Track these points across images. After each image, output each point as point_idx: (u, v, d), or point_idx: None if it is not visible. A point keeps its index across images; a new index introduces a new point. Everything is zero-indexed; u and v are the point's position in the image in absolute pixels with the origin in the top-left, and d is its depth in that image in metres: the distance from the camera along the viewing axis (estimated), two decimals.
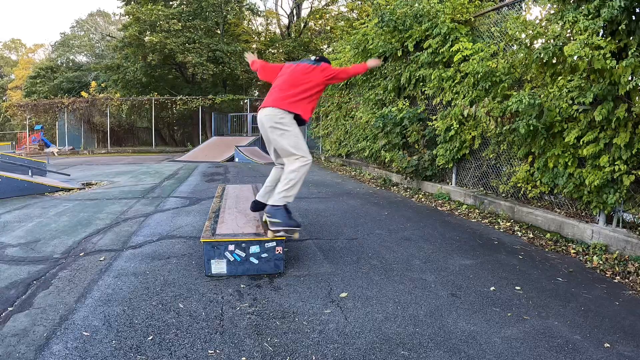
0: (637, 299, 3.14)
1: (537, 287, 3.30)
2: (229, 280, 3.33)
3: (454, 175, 6.94)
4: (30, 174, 8.31)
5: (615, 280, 3.50)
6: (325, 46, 25.84)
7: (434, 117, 7.15)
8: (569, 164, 4.44)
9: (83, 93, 24.22)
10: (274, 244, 3.43)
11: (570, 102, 4.27)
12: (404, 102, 8.11)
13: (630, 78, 3.72)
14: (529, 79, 4.91)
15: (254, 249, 3.40)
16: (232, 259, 3.39)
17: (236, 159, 14.57)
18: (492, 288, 3.25)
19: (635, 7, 3.72)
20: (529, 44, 4.73)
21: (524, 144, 5.06)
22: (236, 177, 10.13)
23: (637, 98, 3.79)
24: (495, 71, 5.22)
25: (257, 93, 28.41)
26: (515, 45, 5.09)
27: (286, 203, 3.44)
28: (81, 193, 7.57)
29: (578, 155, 4.36)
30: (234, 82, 24.58)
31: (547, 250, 4.29)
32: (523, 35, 4.82)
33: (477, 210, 5.89)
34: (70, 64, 33.66)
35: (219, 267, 3.38)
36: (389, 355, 2.31)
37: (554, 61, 4.44)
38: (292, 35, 25.57)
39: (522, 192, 5.26)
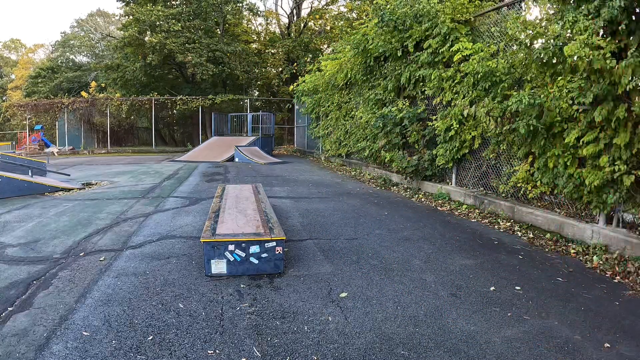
0: (637, 299, 3.14)
1: (537, 287, 3.30)
2: (229, 280, 3.33)
3: (454, 175, 6.94)
4: (30, 174, 8.30)
5: (615, 280, 3.50)
6: (325, 46, 25.83)
7: (434, 117, 7.14)
8: (569, 164, 4.44)
9: (83, 93, 24.20)
10: (274, 244, 3.43)
11: (570, 102, 4.27)
12: (404, 102, 8.11)
13: (630, 78, 3.72)
14: (529, 79, 4.90)
15: (254, 249, 3.40)
16: (232, 259, 3.39)
17: (236, 159, 14.57)
18: (492, 288, 3.25)
19: (635, 7, 3.72)
20: (529, 44, 4.73)
21: (524, 144, 5.06)
22: (236, 177, 10.13)
23: (637, 98, 3.78)
24: (495, 71, 5.22)
25: (257, 93, 28.40)
26: (515, 45, 5.09)
27: None
28: (81, 193, 7.57)
29: (578, 156, 4.36)
30: (234, 82, 24.55)
31: (547, 250, 4.29)
32: (523, 35, 4.82)
33: (477, 210, 5.89)
34: (71, 64, 33.63)
35: (219, 267, 3.38)
36: (389, 355, 2.31)
37: (554, 61, 4.43)
38: (292, 35, 25.55)
39: (522, 192, 5.26)
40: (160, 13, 20.22)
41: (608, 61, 3.76)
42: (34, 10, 70.93)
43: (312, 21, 26.17)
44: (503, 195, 5.74)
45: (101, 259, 3.83)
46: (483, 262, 3.88)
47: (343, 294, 3.10)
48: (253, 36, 27.31)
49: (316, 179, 9.47)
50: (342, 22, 23.62)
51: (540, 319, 2.76)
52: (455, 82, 6.45)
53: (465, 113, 6.08)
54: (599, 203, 4.18)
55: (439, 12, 6.78)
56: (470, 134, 6.19)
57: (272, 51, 25.47)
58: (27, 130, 22.82)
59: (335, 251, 4.13)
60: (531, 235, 4.74)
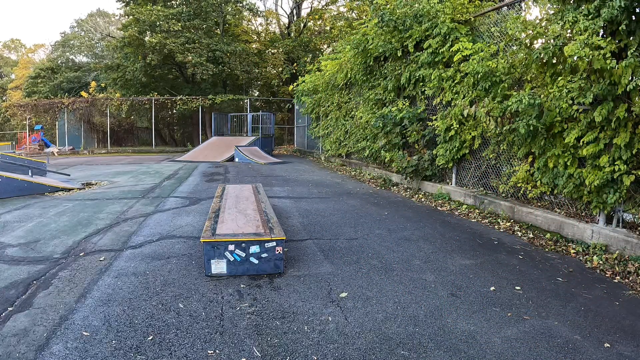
0: (637, 299, 3.14)
1: (537, 287, 3.30)
2: (229, 280, 3.33)
3: (454, 175, 6.94)
4: (30, 174, 8.31)
5: (615, 280, 3.50)
6: (325, 46, 25.83)
7: (434, 117, 7.14)
8: (569, 164, 4.44)
9: (83, 93, 24.20)
10: (274, 244, 3.43)
11: (570, 102, 4.27)
12: (404, 102, 8.11)
13: (630, 78, 3.72)
14: (529, 79, 4.91)
15: (254, 249, 3.41)
16: (232, 259, 3.39)
17: (236, 159, 14.57)
18: (492, 288, 3.26)
19: (635, 7, 3.72)
20: (529, 44, 4.74)
21: (524, 144, 5.06)
22: (236, 177, 10.13)
23: (637, 98, 3.79)
24: (495, 71, 5.22)
25: (257, 93, 28.39)
26: (515, 45, 5.09)
27: None
28: (81, 193, 7.57)
29: (578, 156, 4.36)
30: (234, 82, 24.55)
31: (547, 250, 4.29)
32: (523, 35, 4.82)
33: (477, 210, 5.89)
34: (70, 64, 33.61)
35: (219, 267, 3.38)
36: (389, 355, 2.31)
37: (554, 61, 4.44)
38: (292, 35, 25.54)
39: (522, 192, 5.26)
40: (160, 13, 20.22)
41: (608, 61, 3.76)
42: (34, 10, 70.96)
43: (312, 21, 26.17)
44: (503, 195, 5.74)
45: (101, 259, 3.83)
46: (483, 262, 3.88)
47: (343, 294, 3.10)
48: (253, 36, 27.30)
49: (316, 179, 9.47)
50: (341, 22, 23.63)
51: (540, 319, 2.76)
52: (455, 82, 6.45)
53: (465, 113, 6.08)
54: (599, 203, 4.18)
55: (439, 12, 6.79)
56: (470, 134, 6.19)
57: (272, 51, 25.45)
58: (27, 130, 22.82)
59: (335, 251, 4.13)
60: (531, 235, 4.74)
